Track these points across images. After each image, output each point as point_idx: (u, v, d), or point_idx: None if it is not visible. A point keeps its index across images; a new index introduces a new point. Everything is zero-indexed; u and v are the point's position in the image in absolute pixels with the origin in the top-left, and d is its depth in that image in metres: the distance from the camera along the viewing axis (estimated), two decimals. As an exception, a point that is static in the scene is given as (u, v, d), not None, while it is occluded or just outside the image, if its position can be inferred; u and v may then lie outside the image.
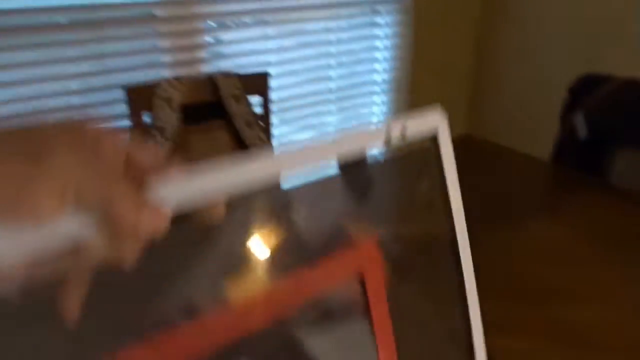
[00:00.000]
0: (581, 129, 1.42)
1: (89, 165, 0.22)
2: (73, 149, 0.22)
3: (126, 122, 1.60)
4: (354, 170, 0.44)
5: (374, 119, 2.47)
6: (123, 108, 1.53)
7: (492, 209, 1.19)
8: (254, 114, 1.53)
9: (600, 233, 1.07)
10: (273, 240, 0.43)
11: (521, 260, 0.98)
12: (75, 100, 1.57)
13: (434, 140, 0.45)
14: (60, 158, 0.22)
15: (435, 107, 0.44)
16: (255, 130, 1.53)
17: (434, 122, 0.44)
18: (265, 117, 1.59)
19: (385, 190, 0.49)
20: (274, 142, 1.60)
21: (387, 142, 0.40)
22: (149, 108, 1.38)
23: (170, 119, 1.40)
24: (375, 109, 2.45)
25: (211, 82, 1.47)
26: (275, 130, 1.80)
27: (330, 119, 2.27)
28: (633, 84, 1.36)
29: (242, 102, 1.51)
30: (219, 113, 1.51)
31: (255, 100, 1.55)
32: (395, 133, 0.40)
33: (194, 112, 1.48)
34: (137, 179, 0.24)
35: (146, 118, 1.40)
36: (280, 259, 0.43)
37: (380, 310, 0.43)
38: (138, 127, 1.39)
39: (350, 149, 0.38)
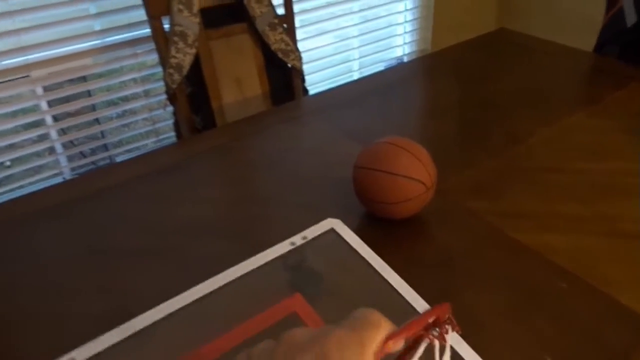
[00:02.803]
0: (629, 14, 1.31)
1: None
2: None
3: (145, 30, 1.55)
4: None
5: (399, 19, 2.34)
6: (141, 13, 1.47)
7: (530, 103, 1.14)
8: (277, 16, 1.45)
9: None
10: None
11: (561, 155, 0.95)
12: (91, 7, 1.50)
13: (333, 230, 0.71)
14: None
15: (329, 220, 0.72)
16: (279, 33, 1.46)
17: (330, 224, 0.71)
18: (288, 18, 1.51)
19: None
20: (299, 46, 1.53)
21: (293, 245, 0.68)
22: (168, 12, 1.32)
23: (191, 24, 1.34)
24: (399, 6, 2.31)
25: (230, -19, 1.39)
26: (298, 33, 1.72)
27: (353, 19, 2.16)
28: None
29: (263, 2, 1.42)
30: (240, 15, 1.44)
31: (277, 0, 1.46)
32: (299, 240, 0.68)
33: (214, 16, 1.41)
34: None
35: (166, 24, 1.34)
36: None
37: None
38: (159, 33, 1.33)
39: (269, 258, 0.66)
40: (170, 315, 0.61)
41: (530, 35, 1.52)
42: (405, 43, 2.42)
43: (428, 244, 0.77)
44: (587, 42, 1.58)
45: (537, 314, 0.65)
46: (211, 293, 0.64)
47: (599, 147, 0.97)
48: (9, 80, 1.45)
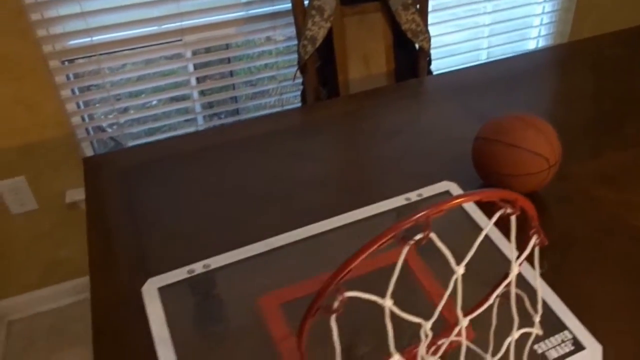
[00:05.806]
0: None
1: None
2: None
3: (285, 4, 1.65)
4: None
5: (537, 10, 2.23)
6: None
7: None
8: (411, -4, 1.47)
9: None
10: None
11: None
12: (240, -19, 1.64)
13: (449, 193, 0.74)
14: None
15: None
16: (411, 13, 1.49)
17: (447, 186, 0.74)
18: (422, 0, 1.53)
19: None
20: (429, 27, 1.55)
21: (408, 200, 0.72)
22: (309, -13, 1.40)
23: (329, -1, 1.41)
24: (536, 8, 2.21)
25: (370, -40, 1.44)
26: (429, 17, 1.72)
27: (486, 7, 2.11)
28: None
29: (399, -18, 1.46)
30: (376, -6, 1.48)
31: (412, -19, 1.48)
32: (414, 196, 0.73)
33: (351, -7, 1.47)
34: None
35: (306, -2, 1.43)
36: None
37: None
38: (298, 7, 1.42)
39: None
40: (290, 245, 0.68)
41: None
42: (540, 36, 2.31)
43: (545, 224, 0.76)
44: None
45: (655, 303, 0.63)
46: (325, 232, 0.70)
47: None
48: (165, 43, 1.63)
